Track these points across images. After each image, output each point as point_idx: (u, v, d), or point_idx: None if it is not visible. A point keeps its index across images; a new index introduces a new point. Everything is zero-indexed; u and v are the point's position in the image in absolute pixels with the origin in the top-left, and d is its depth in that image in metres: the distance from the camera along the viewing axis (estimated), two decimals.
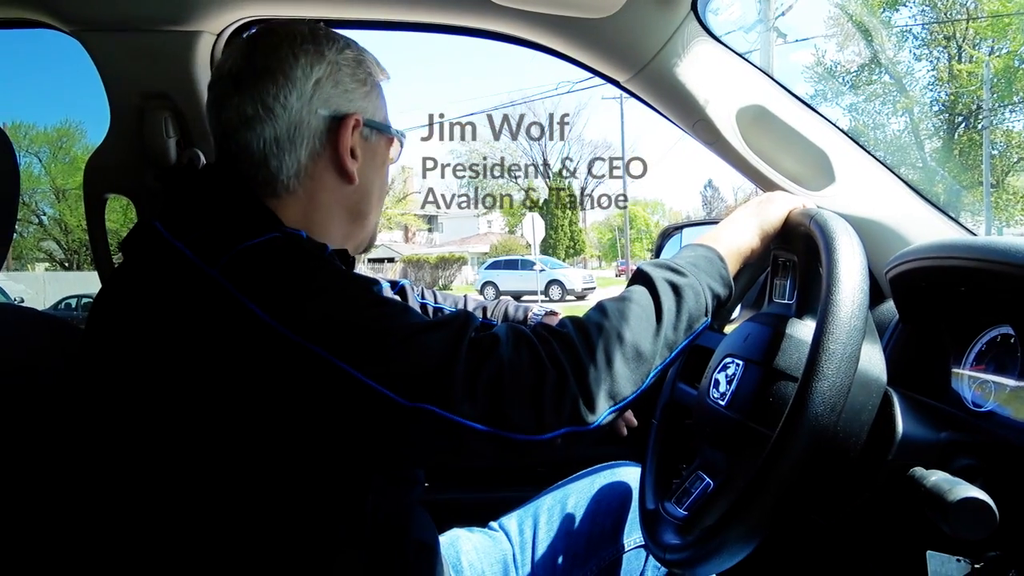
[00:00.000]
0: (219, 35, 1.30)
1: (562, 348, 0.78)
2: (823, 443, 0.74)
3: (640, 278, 0.89)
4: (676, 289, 0.86)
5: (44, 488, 0.88)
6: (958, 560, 0.76)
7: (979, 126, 23.77)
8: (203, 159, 1.28)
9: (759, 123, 1.23)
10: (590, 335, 0.80)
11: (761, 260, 1.02)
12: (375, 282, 0.83)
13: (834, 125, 1.23)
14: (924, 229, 1.17)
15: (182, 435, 0.75)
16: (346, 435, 0.73)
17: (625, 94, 1.34)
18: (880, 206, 1.19)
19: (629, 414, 1.28)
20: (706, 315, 0.88)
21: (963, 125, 24.91)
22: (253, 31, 0.95)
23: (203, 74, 1.30)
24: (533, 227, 21.01)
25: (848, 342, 0.75)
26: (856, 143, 1.22)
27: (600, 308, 0.85)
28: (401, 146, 1.04)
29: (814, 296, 0.92)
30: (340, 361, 0.70)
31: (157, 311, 0.75)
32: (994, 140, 24.04)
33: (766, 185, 1.25)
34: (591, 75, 1.35)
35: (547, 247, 34.83)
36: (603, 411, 0.77)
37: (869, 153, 1.22)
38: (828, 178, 1.21)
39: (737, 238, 0.97)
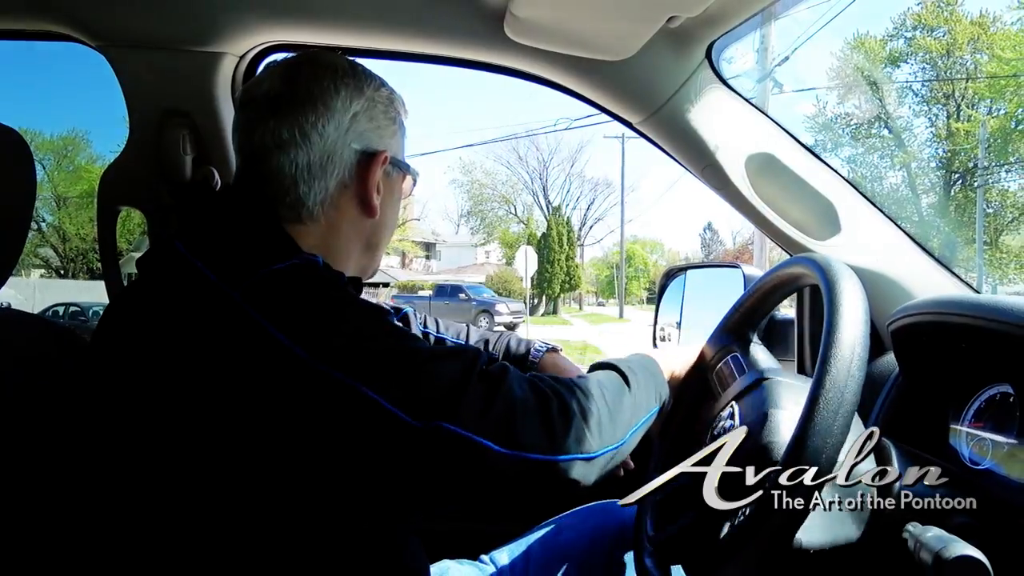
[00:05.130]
0: (242, 57, 1.32)
1: (558, 383, 0.86)
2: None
3: (597, 366, 1.01)
4: (633, 371, 0.98)
5: (39, 497, 0.87)
6: None
7: (975, 184, 24.04)
8: (217, 177, 1.29)
9: (768, 171, 1.25)
10: (577, 383, 0.88)
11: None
12: (388, 311, 0.84)
13: (842, 176, 1.25)
14: (927, 284, 1.19)
15: (190, 453, 0.74)
16: (362, 458, 0.73)
17: (633, 134, 1.36)
18: (885, 259, 1.21)
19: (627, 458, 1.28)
20: (656, 402, 0.99)
21: (959, 182, 25.20)
22: (292, 57, 0.97)
23: (224, 94, 1.32)
24: (526, 260, 20.94)
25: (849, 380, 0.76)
26: (863, 195, 1.24)
27: (579, 376, 0.93)
28: (414, 183, 1.07)
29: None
30: (361, 385, 0.71)
31: (174, 329, 0.75)
32: (990, 199, 24.33)
33: (773, 232, 1.27)
34: (593, 112, 1.38)
35: (543, 281, 34.87)
36: (604, 445, 0.84)
37: (875, 206, 1.23)
38: (834, 228, 1.23)
39: (667, 362, 1.11)
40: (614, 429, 0.86)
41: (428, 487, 0.77)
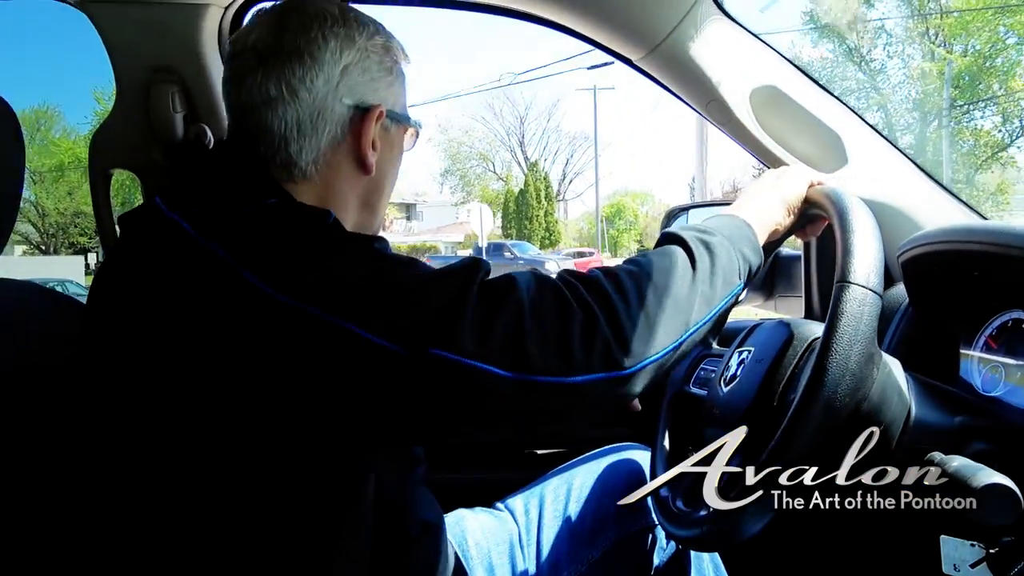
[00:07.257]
0: (227, 8, 1.28)
1: (589, 290, 0.74)
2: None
3: (669, 238, 0.86)
4: (708, 246, 0.83)
5: (43, 471, 0.86)
6: (972, 545, 0.77)
7: (948, 123, 24.16)
8: (210, 134, 1.26)
9: (773, 104, 1.23)
10: (620, 280, 0.77)
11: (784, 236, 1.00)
12: (378, 239, 0.79)
13: (848, 107, 1.23)
14: (937, 213, 1.18)
15: (183, 418, 0.72)
16: (358, 399, 0.70)
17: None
18: (893, 189, 1.20)
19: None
20: (739, 278, 0.85)
21: (935, 123, 25.27)
22: (280, 5, 0.91)
23: (211, 47, 1.28)
24: (481, 218, 20.23)
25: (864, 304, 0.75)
26: (870, 126, 1.22)
27: (630, 260, 0.82)
28: (417, 136, 1.02)
29: None
30: (339, 319, 0.67)
31: (154, 286, 0.73)
32: (963, 138, 24.46)
33: (778, 166, 1.25)
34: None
35: (521, 236, 34.83)
36: (640, 358, 0.73)
37: (882, 136, 1.22)
38: (841, 160, 1.22)
39: (761, 211, 0.94)
40: (660, 334, 0.74)
41: (430, 419, 0.72)
